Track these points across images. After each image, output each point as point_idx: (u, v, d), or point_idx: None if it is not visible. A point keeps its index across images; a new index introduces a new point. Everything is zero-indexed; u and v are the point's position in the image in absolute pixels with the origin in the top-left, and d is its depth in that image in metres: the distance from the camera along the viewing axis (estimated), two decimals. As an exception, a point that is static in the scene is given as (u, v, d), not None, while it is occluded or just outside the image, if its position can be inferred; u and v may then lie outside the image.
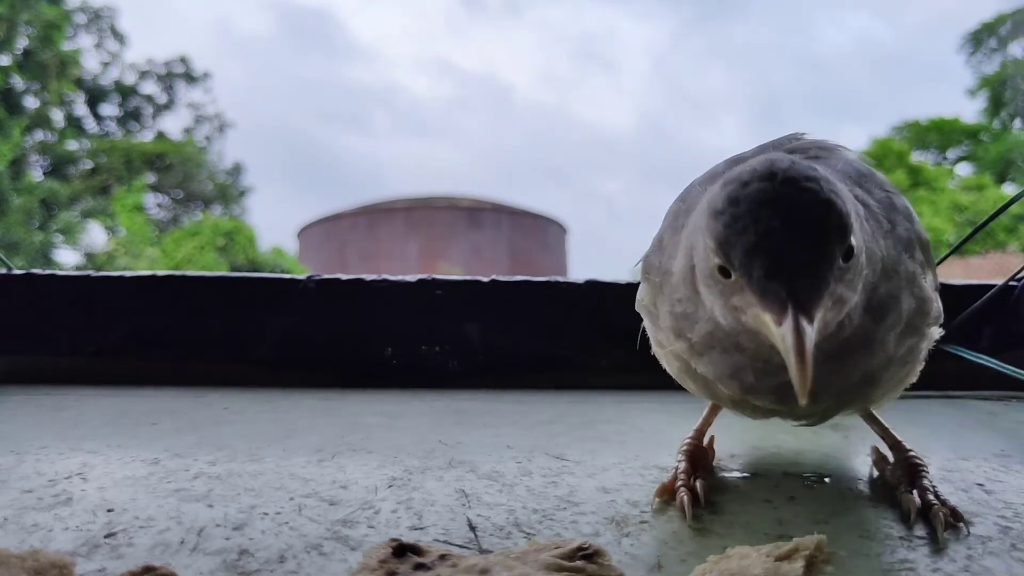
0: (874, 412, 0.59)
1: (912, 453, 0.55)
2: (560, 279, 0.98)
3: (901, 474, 0.54)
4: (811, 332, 0.37)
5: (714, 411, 0.62)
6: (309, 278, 0.99)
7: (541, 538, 0.47)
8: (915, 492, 0.51)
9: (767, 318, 0.39)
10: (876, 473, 0.58)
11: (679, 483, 0.53)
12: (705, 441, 0.60)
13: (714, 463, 0.60)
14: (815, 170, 0.41)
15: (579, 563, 0.39)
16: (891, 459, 0.56)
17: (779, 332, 0.38)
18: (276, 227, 18.90)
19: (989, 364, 0.84)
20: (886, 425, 0.59)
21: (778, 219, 0.39)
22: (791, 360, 0.37)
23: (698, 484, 0.53)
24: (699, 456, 0.58)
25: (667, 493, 0.53)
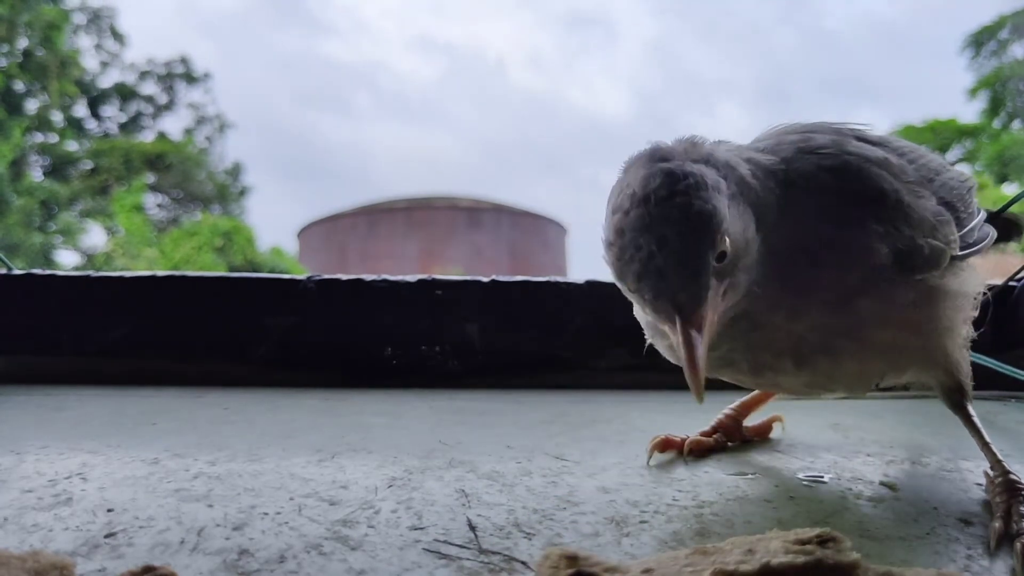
0: (974, 419, 0.57)
1: (1012, 475, 0.52)
2: (560, 279, 0.99)
3: (999, 497, 0.51)
4: (699, 338, 0.44)
5: (767, 394, 0.67)
6: (309, 278, 0.99)
7: (540, 538, 0.47)
8: (1002, 517, 0.48)
9: (666, 330, 0.45)
10: (987, 496, 0.54)
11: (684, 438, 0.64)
12: (773, 426, 0.69)
13: (748, 439, 0.67)
14: (687, 178, 0.45)
15: (809, 547, 0.38)
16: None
17: (675, 341, 0.44)
18: (255, 218, 18.30)
19: (989, 364, 0.84)
20: (987, 440, 0.56)
21: (655, 243, 0.44)
22: (685, 367, 0.44)
23: (691, 438, 0.63)
24: (728, 426, 0.66)
25: (665, 447, 0.63)
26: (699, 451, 0.63)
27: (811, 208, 0.50)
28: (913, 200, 0.52)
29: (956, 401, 0.58)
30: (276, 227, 26.18)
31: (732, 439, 0.66)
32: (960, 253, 0.55)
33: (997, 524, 0.47)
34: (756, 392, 0.67)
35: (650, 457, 0.62)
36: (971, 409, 0.58)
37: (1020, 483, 0.51)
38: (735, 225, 0.46)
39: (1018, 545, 0.45)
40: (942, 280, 0.53)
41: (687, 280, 0.44)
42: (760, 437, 0.68)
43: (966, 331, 0.56)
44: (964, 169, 0.62)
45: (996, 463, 0.54)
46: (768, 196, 0.49)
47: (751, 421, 0.68)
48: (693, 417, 0.68)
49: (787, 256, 0.49)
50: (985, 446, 0.56)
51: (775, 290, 0.49)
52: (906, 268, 0.51)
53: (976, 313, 0.57)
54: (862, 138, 0.56)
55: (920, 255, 0.52)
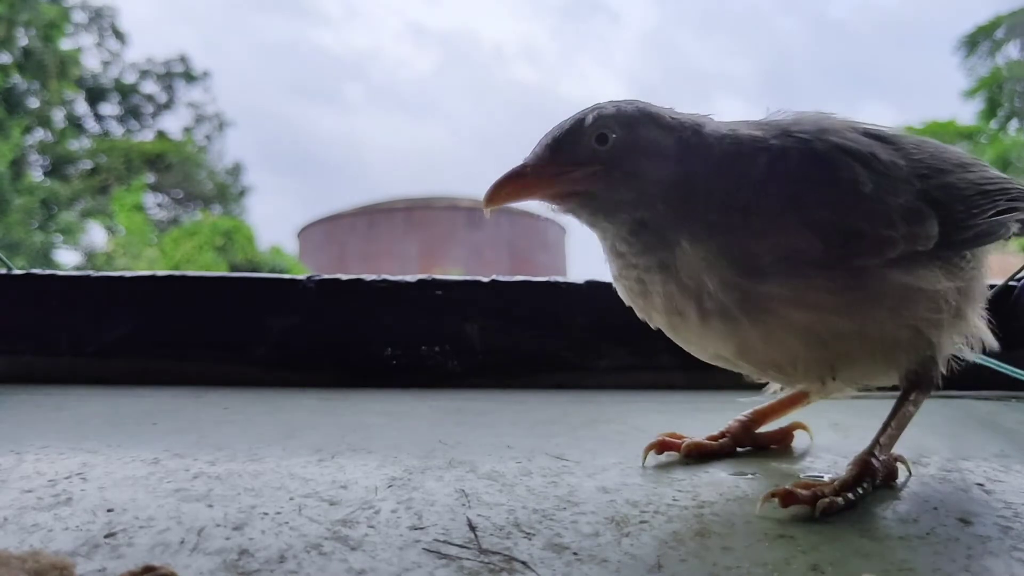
0: (907, 406, 0.58)
1: (876, 458, 0.55)
2: (560, 279, 0.98)
3: (850, 466, 0.55)
4: (514, 170, 0.55)
5: (783, 405, 0.66)
6: (309, 278, 0.99)
7: (540, 538, 0.47)
8: (838, 484, 0.52)
9: None
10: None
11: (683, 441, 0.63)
12: (793, 434, 0.67)
13: (760, 445, 0.65)
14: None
15: None
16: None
17: None
18: (249, 214, 17.57)
19: (989, 364, 0.84)
20: (891, 424, 0.57)
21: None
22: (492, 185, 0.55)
23: (689, 441, 0.62)
24: (737, 432, 0.64)
25: (663, 449, 0.62)
26: (698, 454, 0.62)
27: (755, 177, 0.53)
28: (875, 191, 0.53)
29: (906, 386, 0.58)
30: (271, 223, 25.94)
31: (742, 445, 0.65)
32: (928, 249, 0.54)
33: (826, 489, 0.51)
34: (773, 401, 0.66)
35: (645, 458, 0.61)
36: (913, 399, 0.58)
37: (876, 467, 0.54)
38: (634, 128, 0.55)
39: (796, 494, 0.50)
40: (888, 269, 0.53)
41: (542, 145, 0.56)
42: (779, 445, 0.66)
43: (935, 319, 0.55)
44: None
45: (875, 444, 0.56)
46: (713, 151, 0.54)
47: (768, 428, 0.66)
48: (693, 417, 0.68)
49: (713, 203, 0.53)
50: (884, 428, 0.57)
51: (691, 220, 0.53)
52: (839, 252, 0.52)
53: (959, 305, 0.57)
54: (872, 134, 0.57)
55: (860, 241, 0.52)
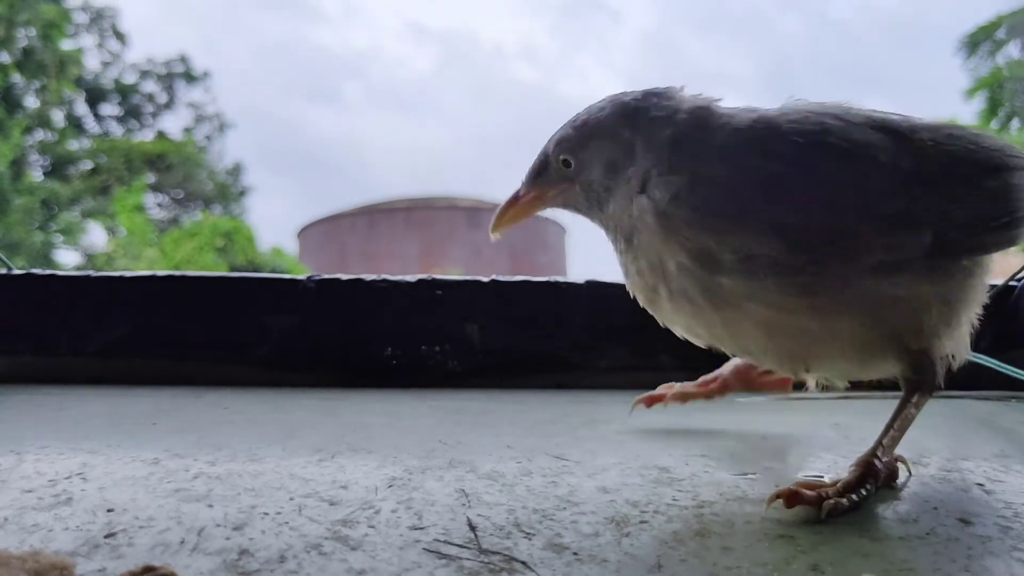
0: (908, 408, 0.57)
1: (878, 460, 0.54)
2: (560, 279, 0.98)
3: (853, 467, 0.54)
4: (510, 197, 0.66)
5: (778, 376, 0.69)
6: (309, 278, 0.99)
7: (540, 538, 0.47)
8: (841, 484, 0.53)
9: None
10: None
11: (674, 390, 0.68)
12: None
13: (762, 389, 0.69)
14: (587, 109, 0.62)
15: None
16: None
17: None
18: (249, 214, 17.32)
19: (989, 364, 0.84)
20: (893, 427, 0.57)
21: None
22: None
23: (677, 387, 0.68)
24: (729, 377, 0.68)
25: (650, 402, 0.68)
26: (684, 400, 0.68)
27: (735, 179, 0.53)
28: (858, 197, 0.52)
29: (908, 388, 0.58)
30: (271, 223, 25.91)
31: (732, 390, 0.69)
32: (916, 256, 0.53)
33: (831, 490, 0.51)
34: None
35: (633, 410, 0.67)
36: (915, 401, 0.57)
37: (879, 469, 0.54)
38: (587, 145, 0.60)
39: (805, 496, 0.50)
40: (862, 276, 0.52)
41: (528, 169, 0.64)
42: (777, 390, 0.70)
43: (915, 327, 0.55)
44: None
45: (877, 445, 0.56)
46: (703, 146, 0.55)
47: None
48: (693, 418, 0.68)
49: (679, 202, 0.54)
50: (887, 430, 0.57)
51: (649, 214, 0.55)
52: (806, 257, 0.51)
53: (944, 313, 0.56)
54: (883, 126, 0.55)
55: (830, 248, 0.52)
